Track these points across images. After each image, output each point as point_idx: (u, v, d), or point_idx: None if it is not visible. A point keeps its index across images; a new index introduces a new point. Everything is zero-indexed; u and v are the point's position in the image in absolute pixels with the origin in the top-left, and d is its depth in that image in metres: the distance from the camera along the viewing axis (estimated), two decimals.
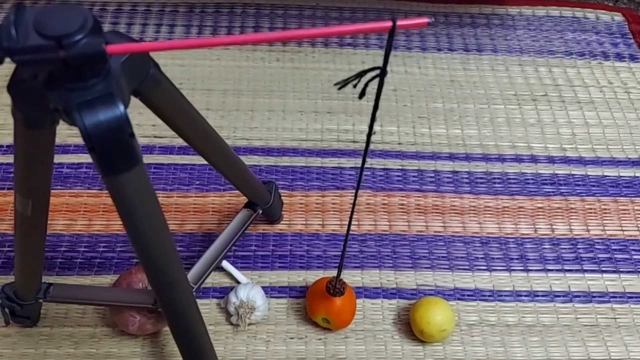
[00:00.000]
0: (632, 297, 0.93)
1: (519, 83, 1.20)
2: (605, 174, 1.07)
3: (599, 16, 1.34)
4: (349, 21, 1.28)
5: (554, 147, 1.10)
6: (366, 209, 1.00)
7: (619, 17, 1.34)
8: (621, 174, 1.07)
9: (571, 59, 1.25)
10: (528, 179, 1.06)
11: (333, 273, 0.91)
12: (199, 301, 0.86)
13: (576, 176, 1.07)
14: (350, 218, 0.64)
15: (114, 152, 0.43)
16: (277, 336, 0.86)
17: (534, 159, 1.08)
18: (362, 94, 0.45)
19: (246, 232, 0.87)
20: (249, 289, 0.85)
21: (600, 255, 0.97)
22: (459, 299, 0.91)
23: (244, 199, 0.88)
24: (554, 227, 1.00)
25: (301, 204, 1.00)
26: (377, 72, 0.45)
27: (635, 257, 0.97)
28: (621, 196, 1.05)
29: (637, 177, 1.07)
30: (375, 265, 0.94)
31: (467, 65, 1.22)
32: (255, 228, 0.96)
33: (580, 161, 1.09)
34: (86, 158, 1.03)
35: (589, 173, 1.07)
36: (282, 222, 0.97)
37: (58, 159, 1.02)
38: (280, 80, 1.17)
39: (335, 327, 0.85)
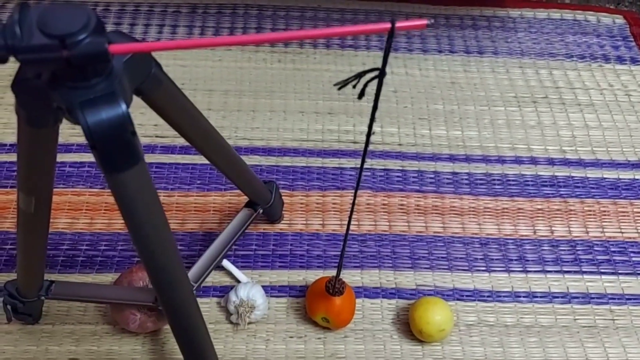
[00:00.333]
0: (630, 299, 0.93)
1: (520, 85, 1.20)
2: (605, 176, 1.08)
3: (600, 19, 1.34)
4: (351, 23, 1.28)
5: (554, 149, 1.11)
6: (366, 209, 1.00)
7: (620, 20, 1.34)
8: (620, 177, 1.08)
9: (572, 61, 1.25)
10: (528, 181, 1.06)
11: (333, 273, 0.91)
12: (199, 300, 0.87)
13: (576, 178, 1.07)
14: (350, 218, 0.64)
15: (115, 150, 0.44)
16: (276, 335, 0.86)
17: (533, 161, 1.09)
18: (361, 95, 0.46)
19: (247, 231, 0.88)
20: (249, 288, 0.85)
21: (599, 257, 0.98)
22: (458, 299, 0.91)
23: (244, 199, 0.89)
24: (553, 228, 1.00)
25: (302, 203, 1.00)
26: (376, 72, 0.45)
27: (634, 259, 0.98)
28: (620, 198, 1.05)
29: (637, 179, 1.08)
30: (374, 265, 0.94)
31: (467, 67, 1.23)
32: (256, 227, 0.97)
33: (580, 163, 1.09)
34: (88, 157, 1.03)
35: (588, 175, 1.08)
36: (283, 221, 0.98)
37: (60, 157, 1.02)
38: (281, 81, 1.17)
39: (334, 326, 0.86)
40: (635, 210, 1.04)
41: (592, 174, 1.08)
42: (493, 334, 0.89)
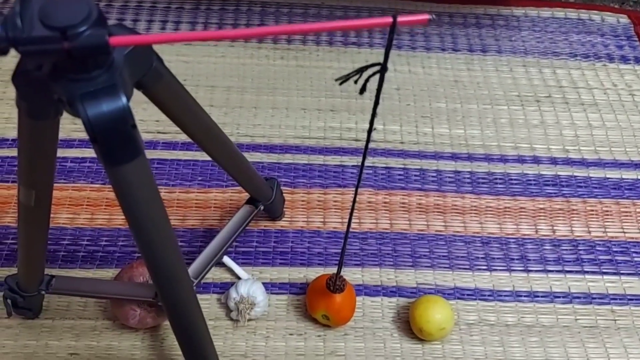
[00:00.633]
0: (632, 299, 0.93)
1: (523, 84, 1.20)
2: (608, 176, 1.07)
3: (605, 18, 1.34)
4: None
5: (557, 149, 1.10)
6: (368, 207, 1.00)
7: (624, 19, 1.33)
8: (623, 176, 1.07)
9: (575, 60, 1.25)
10: (530, 180, 1.06)
11: (334, 270, 0.91)
12: (199, 296, 0.87)
13: (578, 178, 1.07)
14: (351, 215, 0.64)
15: (116, 143, 0.43)
16: (276, 332, 0.86)
17: (536, 160, 1.08)
18: (362, 90, 0.46)
19: (247, 228, 0.88)
20: (250, 285, 0.85)
21: (601, 257, 0.97)
22: (458, 298, 0.91)
23: (245, 195, 0.89)
24: (555, 228, 1.00)
25: (303, 201, 1.00)
26: (378, 67, 0.45)
27: (636, 259, 0.97)
28: (623, 198, 1.05)
29: None
30: (375, 263, 0.94)
31: (471, 66, 1.22)
32: (257, 224, 0.96)
33: (583, 163, 1.09)
34: (90, 152, 1.03)
35: (591, 175, 1.07)
36: (284, 219, 0.98)
37: (62, 153, 1.02)
38: (284, 78, 1.17)
39: (334, 323, 0.86)
40: (637, 210, 1.03)
41: (595, 173, 1.07)
42: (494, 333, 0.88)
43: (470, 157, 1.08)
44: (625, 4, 1.40)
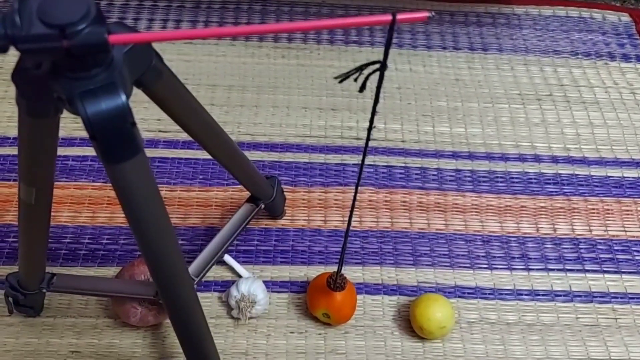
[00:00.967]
0: (633, 298, 0.93)
1: (524, 82, 1.20)
2: (609, 174, 1.07)
3: (606, 16, 1.33)
4: None
5: (558, 147, 1.10)
6: (368, 206, 1.00)
7: (626, 18, 1.33)
8: (625, 175, 1.07)
9: (577, 59, 1.25)
10: (531, 179, 1.05)
11: (334, 269, 0.91)
12: (200, 294, 0.87)
13: (579, 176, 1.06)
14: (351, 213, 0.64)
15: (115, 140, 0.44)
16: (277, 330, 0.86)
17: (537, 159, 1.08)
18: (362, 88, 0.46)
19: (248, 226, 0.88)
20: (250, 283, 0.85)
21: (602, 256, 0.97)
22: (459, 297, 0.91)
23: (246, 194, 0.89)
24: (556, 226, 1.00)
25: (304, 199, 1.00)
26: (378, 65, 0.45)
27: (637, 257, 0.97)
28: (624, 197, 1.04)
29: None
30: (376, 261, 0.94)
31: (472, 64, 1.22)
32: (258, 223, 0.97)
33: (584, 161, 1.08)
34: (91, 151, 1.03)
35: (592, 173, 1.07)
36: (285, 217, 0.98)
37: (63, 151, 1.02)
38: (285, 77, 1.17)
39: (335, 322, 0.86)
40: (639, 208, 1.03)
41: (596, 172, 1.07)
42: (494, 332, 0.88)
43: (471, 156, 1.08)
44: (626, 2, 1.40)
